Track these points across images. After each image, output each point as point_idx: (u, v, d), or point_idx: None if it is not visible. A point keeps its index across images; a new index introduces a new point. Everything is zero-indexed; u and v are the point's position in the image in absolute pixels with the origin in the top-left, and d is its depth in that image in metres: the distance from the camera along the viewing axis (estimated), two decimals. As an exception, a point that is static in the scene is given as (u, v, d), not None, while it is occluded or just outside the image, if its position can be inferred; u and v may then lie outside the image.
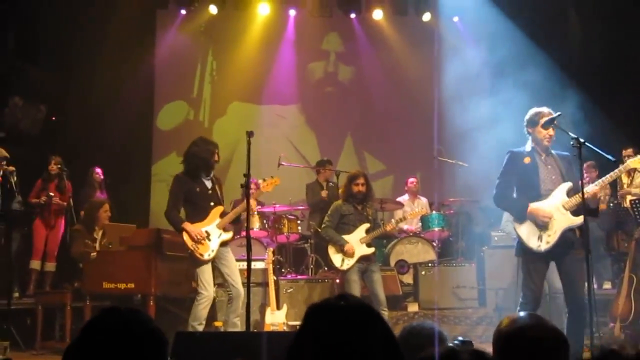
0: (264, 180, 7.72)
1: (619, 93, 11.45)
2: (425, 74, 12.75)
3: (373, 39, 13.68)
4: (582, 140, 5.42)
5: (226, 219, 7.30)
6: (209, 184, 7.40)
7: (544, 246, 5.77)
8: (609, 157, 5.68)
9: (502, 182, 6.06)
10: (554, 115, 5.82)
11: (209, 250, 7.21)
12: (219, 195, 7.48)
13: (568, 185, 5.84)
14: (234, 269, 7.38)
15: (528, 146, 6.04)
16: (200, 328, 7.13)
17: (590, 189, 5.66)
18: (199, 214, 7.31)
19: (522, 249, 5.94)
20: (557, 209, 5.77)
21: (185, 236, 7.17)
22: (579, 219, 5.75)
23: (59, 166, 9.80)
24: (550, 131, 5.88)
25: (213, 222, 7.28)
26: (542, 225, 5.78)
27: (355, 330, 1.80)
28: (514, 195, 6.07)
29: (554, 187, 5.88)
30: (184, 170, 7.48)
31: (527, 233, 5.87)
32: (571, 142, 5.51)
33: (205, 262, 7.21)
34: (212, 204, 7.35)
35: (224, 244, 7.33)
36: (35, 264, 9.78)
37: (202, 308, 7.15)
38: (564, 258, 5.80)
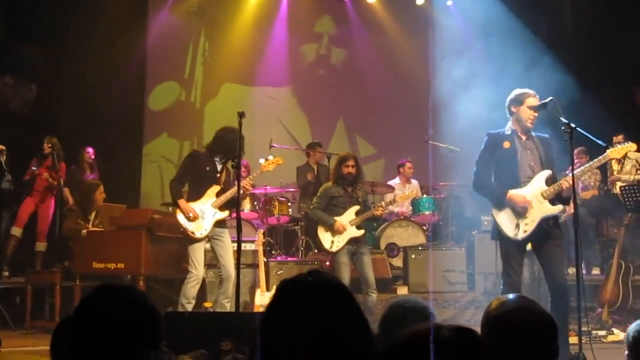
0: (266, 159, 7.75)
1: (611, 79, 11.46)
2: (418, 58, 12.71)
3: (366, 22, 13.65)
4: (573, 125, 5.39)
5: (222, 198, 7.36)
6: (219, 167, 7.50)
7: (520, 234, 5.72)
8: (600, 142, 5.67)
9: (480, 168, 5.98)
10: (546, 100, 5.78)
11: (201, 229, 7.30)
12: (224, 181, 7.53)
13: (547, 173, 5.77)
14: (228, 250, 7.42)
15: (508, 128, 5.94)
16: (190, 307, 7.19)
17: (565, 180, 5.65)
18: (198, 194, 7.42)
19: (499, 235, 5.90)
20: (535, 197, 5.71)
21: (178, 213, 7.29)
22: (557, 208, 5.73)
23: (50, 146, 9.76)
24: (535, 112, 5.83)
25: (208, 201, 7.36)
26: (520, 213, 5.73)
27: (323, 307, 1.81)
28: (492, 180, 5.99)
29: (533, 175, 5.80)
30: (205, 146, 7.66)
31: (505, 220, 5.81)
32: (562, 127, 5.47)
33: (197, 240, 7.29)
34: (212, 185, 7.43)
35: (220, 223, 7.36)
36: (16, 231, 9.77)
37: (191, 287, 7.22)
38: (542, 245, 5.76)
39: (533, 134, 5.95)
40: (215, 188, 7.41)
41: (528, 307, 2.53)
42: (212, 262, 7.87)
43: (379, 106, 13.39)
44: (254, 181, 7.75)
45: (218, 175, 7.48)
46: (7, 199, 9.23)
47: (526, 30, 11.15)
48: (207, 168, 7.45)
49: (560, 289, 5.61)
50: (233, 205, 7.56)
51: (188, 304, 7.19)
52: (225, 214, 7.39)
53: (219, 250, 7.42)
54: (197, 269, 7.26)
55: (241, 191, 7.25)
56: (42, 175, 9.72)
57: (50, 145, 9.76)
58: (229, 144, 7.23)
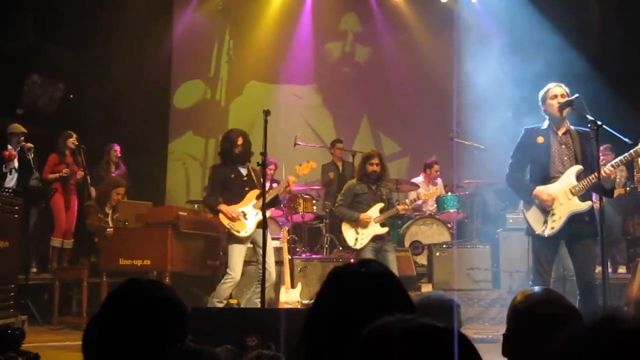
0: (300, 165, 7.89)
1: (638, 76, 11.34)
2: (443, 55, 12.64)
3: (391, 20, 13.62)
4: (599, 122, 5.35)
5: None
6: (244, 171, 7.66)
7: (547, 231, 5.68)
8: (627, 139, 5.61)
9: (514, 162, 5.98)
10: (572, 97, 5.74)
11: (245, 228, 7.46)
12: (255, 182, 7.68)
13: (578, 168, 5.71)
14: (270, 252, 7.49)
15: (545, 124, 5.91)
16: (220, 306, 7.31)
17: (605, 169, 5.58)
18: (235, 199, 7.56)
19: (531, 233, 5.90)
20: (563, 194, 5.66)
21: (222, 217, 7.44)
22: (585, 204, 5.67)
23: (77, 143, 9.85)
24: (559, 99, 5.79)
25: (249, 203, 7.54)
26: (547, 210, 5.71)
27: (373, 297, 1.80)
28: (526, 176, 5.97)
29: (564, 170, 5.75)
30: (220, 161, 7.87)
31: (534, 217, 5.79)
32: (588, 125, 5.43)
33: (243, 238, 7.45)
34: (247, 188, 7.61)
35: (259, 225, 7.45)
36: (56, 242, 9.89)
37: (226, 287, 7.39)
38: (574, 242, 5.73)
39: (572, 128, 5.88)
40: (255, 192, 7.56)
41: (554, 300, 2.51)
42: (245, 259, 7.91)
43: (404, 104, 13.35)
44: (290, 183, 7.80)
45: (245, 179, 7.58)
46: (35, 196, 9.33)
47: (551, 26, 11.06)
48: (232, 175, 7.60)
49: (590, 287, 5.58)
50: (273, 205, 8.00)
51: (219, 304, 7.32)
52: (267, 214, 7.53)
53: (259, 251, 7.50)
54: (235, 272, 7.40)
55: (283, 188, 7.73)
56: (76, 175, 9.82)
57: (76, 142, 9.84)
58: (225, 147, 7.60)
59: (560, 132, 5.85)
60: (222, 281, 7.41)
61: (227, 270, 7.41)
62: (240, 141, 7.53)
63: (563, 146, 5.82)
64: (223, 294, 7.35)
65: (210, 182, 7.87)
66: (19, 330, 3.41)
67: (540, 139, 5.84)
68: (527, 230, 6.02)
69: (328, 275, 1.93)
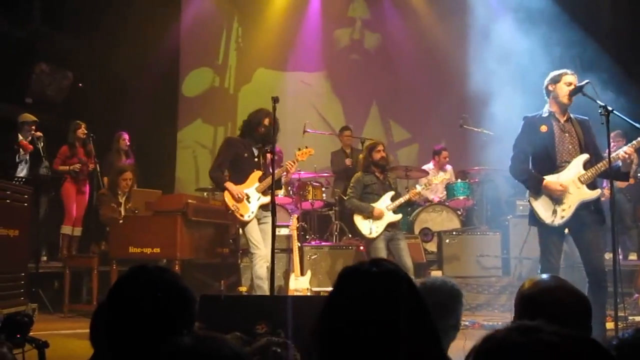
0: (299, 149, 7.86)
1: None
2: (453, 42, 12.56)
3: (400, 6, 13.55)
4: (610, 108, 5.29)
5: (264, 183, 7.46)
6: (256, 152, 7.59)
7: (557, 220, 5.65)
8: (638, 125, 5.56)
9: (517, 153, 5.90)
10: (582, 83, 5.69)
11: (248, 212, 7.43)
12: (262, 165, 7.65)
13: (585, 157, 5.67)
14: (268, 233, 7.43)
15: (545, 111, 5.85)
16: (265, 285, 7.23)
17: (622, 150, 5.52)
18: (240, 178, 7.53)
19: (537, 222, 5.83)
20: (572, 183, 5.62)
21: (227, 195, 7.42)
22: (595, 193, 5.63)
23: (86, 133, 9.87)
24: (572, 88, 5.74)
25: (252, 186, 7.49)
26: (557, 199, 5.66)
27: (384, 298, 1.80)
28: (530, 166, 5.90)
29: (571, 159, 5.70)
30: (239, 134, 7.75)
31: (542, 207, 5.74)
32: (599, 110, 5.37)
33: (246, 222, 7.41)
34: (254, 170, 7.55)
35: (264, 207, 7.45)
36: (66, 229, 9.92)
37: (259, 267, 7.31)
38: (581, 230, 5.68)
39: (572, 116, 5.84)
40: (258, 173, 7.53)
41: (561, 287, 2.51)
42: (245, 247, 7.89)
43: (413, 91, 13.29)
44: (293, 168, 7.77)
45: (256, 160, 7.55)
46: (45, 185, 9.35)
47: (563, 14, 10.97)
48: (245, 154, 7.54)
49: (599, 274, 5.54)
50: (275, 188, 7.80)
51: (262, 283, 7.26)
52: (268, 198, 7.50)
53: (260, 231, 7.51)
54: (260, 248, 7.34)
55: (284, 173, 7.67)
56: (89, 166, 9.84)
57: (85, 131, 9.86)
58: (254, 125, 7.47)
59: (562, 120, 5.81)
60: (253, 262, 7.35)
61: (252, 250, 7.36)
62: (266, 122, 7.45)
63: (567, 134, 5.77)
64: (260, 274, 7.27)
65: (220, 154, 7.71)
66: (27, 317, 3.41)
67: (544, 128, 5.78)
68: (530, 220, 5.98)
69: (339, 275, 1.92)
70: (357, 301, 1.81)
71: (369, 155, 8.21)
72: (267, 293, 6.95)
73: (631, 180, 9.58)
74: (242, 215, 7.39)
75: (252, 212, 7.41)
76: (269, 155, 7.42)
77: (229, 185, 7.44)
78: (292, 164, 7.64)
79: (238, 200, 7.37)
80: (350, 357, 1.75)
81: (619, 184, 9.50)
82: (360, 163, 8.42)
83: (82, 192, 10.05)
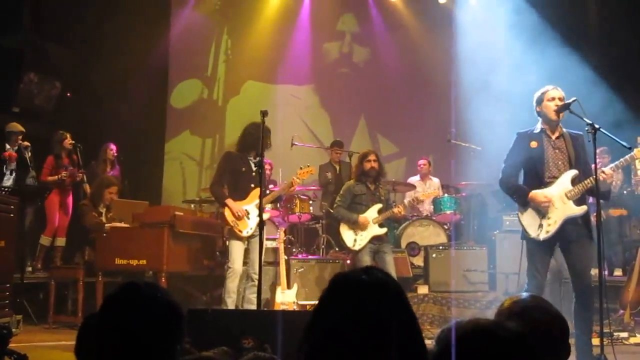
0: (301, 168, 7.86)
1: (637, 80, 11.34)
2: (441, 57, 12.65)
3: (389, 21, 13.63)
4: (596, 126, 5.34)
5: (266, 199, 7.45)
6: (254, 166, 7.54)
7: (542, 235, 5.68)
8: (623, 143, 5.60)
9: (507, 167, 5.96)
10: (569, 101, 5.73)
11: (247, 228, 7.45)
12: (261, 179, 7.59)
13: (573, 173, 5.71)
14: (255, 251, 7.43)
15: (538, 127, 5.90)
16: (231, 300, 7.34)
17: (603, 172, 5.57)
18: (238, 193, 7.55)
19: (525, 237, 5.88)
20: (559, 198, 5.67)
21: (227, 211, 7.44)
22: (581, 209, 5.66)
23: (72, 142, 9.83)
24: (557, 102, 5.79)
25: (253, 202, 7.46)
26: (543, 213, 5.70)
27: (374, 306, 1.80)
28: (520, 180, 5.95)
29: (559, 174, 5.75)
30: (236, 147, 7.76)
31: (529, 220, 5.79)
32: (586, 128, 5.42)
33: (244, 238, 7.44)
34: (252, 185, 7.53)
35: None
36: (45, 240, 9.85)
37: (230, 282, 7.36)
38: (568, 245, 5.71)
39: (565, 131, 5.87)
40: (259, 190, 7.50)
41: (539, 306, 2.58)
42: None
43: (401, 105, 13.36)
44: (294, 183, 7.80)
45: (253, 174, 7.54)
46: (31, 195, 9.30)
47: (550, 29, 11.05)
48: (243, 169, 7.55)
49: (586, 290, 5.57)
50: (275, 202, 8.08)
51: (229, 298, 7.33)
52: (267, 215, 7.56)
53: (252, 248, 7.50)
54: (235, 264, 7.39)
55: (287, 188, 7.83)
56: (76, 177, 9.78)
57: (72, 141, 9.82)
58: (257, 140, 7.30)
59: (554, 136, 5.85)
60: (226, 276, 7.40)
61: (228, 264, 7.41)
62: (268, 135, 7.48)
63: (557, 150, 5.81)
64: (230, 288, 7.34)
65: (219, 169, 7.77)
66: (6, 329, 3.38)
67: (534, 144, 5.83)
68: (522, 235, 6.01)
69: (330, 282, 1.92)
70: (346, 308, 1.80)
71: (360, 164, 8.23)
72: (232, 307, 7.19)
73: (623, 212, 9.67)
74: (240, 231, 7.41)
75: (251, 229, 7.43)
76: (267, 167, 7.44)
77: (229, 202, 7.45)
78: (296, 180, 7.71)
79: (238, 218, 7.40)
80: None
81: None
82: (353, 172, 8.45)
83: (66, 202, 10.00)
